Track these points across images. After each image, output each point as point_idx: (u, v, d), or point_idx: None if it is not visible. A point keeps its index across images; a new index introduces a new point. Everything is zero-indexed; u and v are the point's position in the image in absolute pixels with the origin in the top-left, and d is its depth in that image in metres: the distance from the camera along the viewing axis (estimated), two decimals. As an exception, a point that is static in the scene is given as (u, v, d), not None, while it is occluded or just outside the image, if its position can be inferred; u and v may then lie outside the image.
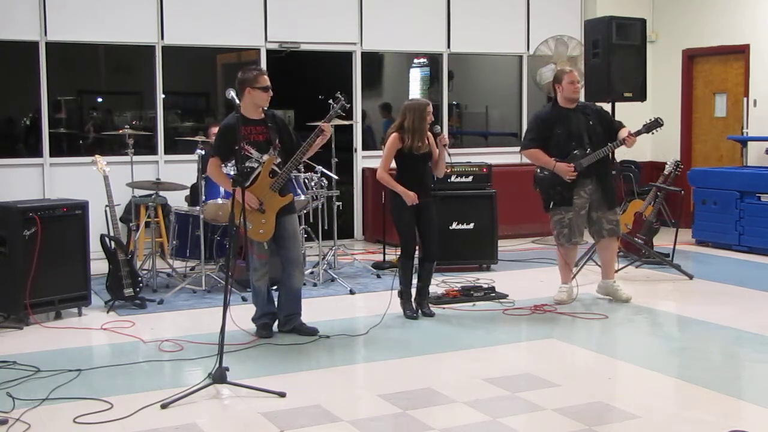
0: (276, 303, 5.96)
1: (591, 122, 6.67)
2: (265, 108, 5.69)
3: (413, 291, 6.44)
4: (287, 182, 5.77)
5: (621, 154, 9.58)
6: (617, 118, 7.86)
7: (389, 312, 6.35)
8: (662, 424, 4.26)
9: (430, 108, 6.27)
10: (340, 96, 5.96)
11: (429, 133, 6.28)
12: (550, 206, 6.72)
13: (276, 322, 5.95)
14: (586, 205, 6.68)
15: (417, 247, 6.40)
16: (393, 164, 6.35)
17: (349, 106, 6.26)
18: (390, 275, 7.70)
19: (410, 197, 6.18)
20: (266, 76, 5.64)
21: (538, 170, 6.80)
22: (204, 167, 7.27)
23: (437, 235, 6.47)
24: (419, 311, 6.41)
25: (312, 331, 5.86)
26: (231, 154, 5.60)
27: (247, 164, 5.55)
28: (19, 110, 9.35)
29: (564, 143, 6.60)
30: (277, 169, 5.64)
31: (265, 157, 5.60)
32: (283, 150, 5.70)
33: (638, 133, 6.66)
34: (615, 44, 8.10)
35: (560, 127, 6.62)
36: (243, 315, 6.18)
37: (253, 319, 5.94)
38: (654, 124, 6.68)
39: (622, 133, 6.62)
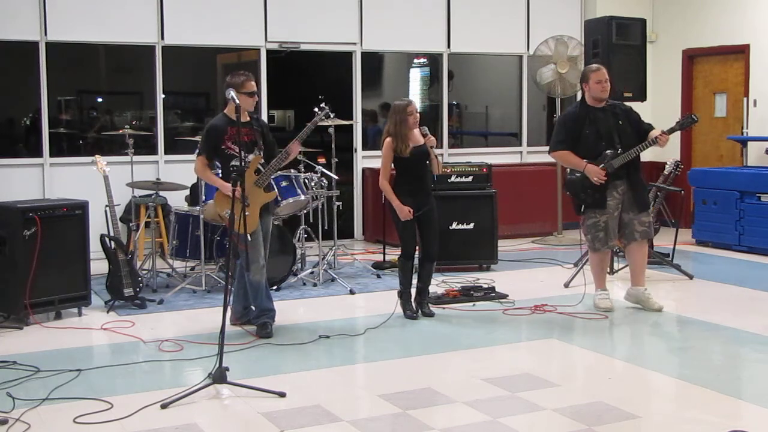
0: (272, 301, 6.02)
1: (620, 122, 6.50)
2: (251, 111, 5.95)
3: (413, 291, 6.44)
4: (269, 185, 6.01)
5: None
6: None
7: (390, 312, 6.36)
8: (662, 424, 4.26)
9: (412, 107, 6.22)
10: (325, 106, 6.21)
11: (425, 131, 6.25)
12: (582, 210, 6.53)
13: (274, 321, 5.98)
14: (619, 206, 6.48)
15: (417, 248, 6.40)
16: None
17: (334, 114, 6.53)
18: (391, 275, 7.72)
19: (404, 213, 6.17)
20: (253, 82, 5.88)
21: (569, 172, 6.63)
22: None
23: (437, 236, 6.46)
24: (419, 311, 6.41)
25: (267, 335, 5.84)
26: (216, 153, 5.85)
27: (233, 163, 5.78)
28: (19, 110, 9.35)
29: (593, 143, 6.42)
30: (261, 168, 5.89)
31: (251, 156, 5.83)
32: (264, 152, 5.95)
33: (672, 130, 6.43)
34: (615, 44, 8.11)
35: (589, 127, 6.45)
36: (243, 315, 6.20)
37: (252, 319, 5.95)
38: (688, 120, 6.48)
39: (654, 133, 6.40)
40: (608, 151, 6.39)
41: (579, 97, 6.77)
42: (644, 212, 6.52)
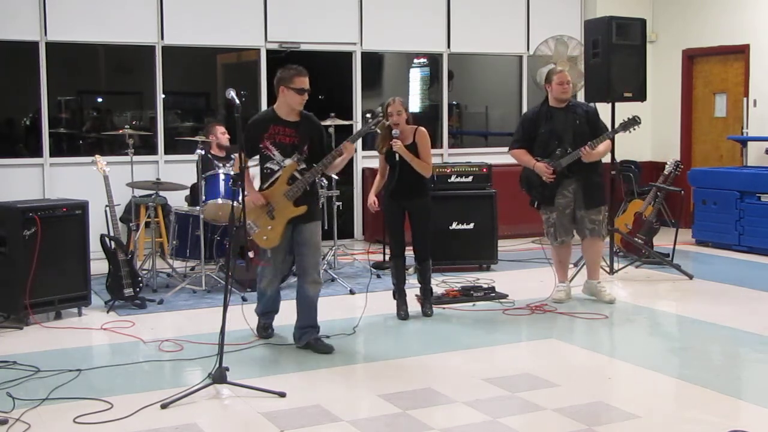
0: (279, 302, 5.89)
1: (578, 122, 6.69)
2: (301, 110, 5.40)
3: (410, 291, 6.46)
4: (308, 193, 5.42)
5: (622, 154, 9.58)
6: (617, 118, 7.87)
7: (390, 312, 6.38)
8: (662, 424, 4.26)
9: (392, 108, 6.03)
10: (377, 111, 5.84)
11: (395, 134, 6.09)
12: (535, 205, 6.86)
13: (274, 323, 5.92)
14: (571, 204, 6.71)
15: (405, 247, 6.38)
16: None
17: (388, 123, 6.07)
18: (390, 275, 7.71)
19: (369, 203, 6.34)
20: (305, 78, 5.33)
21: (522, 170, 6.89)
22: (204, 167, 7.29)
23: (427, 235, 6.36)
24: (422, 309, 6.43)
25: (327, 349, 5.47)
26: (254, 150, 5.36)
27: (267, 165, 5.35)
28: (19, 110, 9.35)
29: (546, 142, 6.67)
30: (298, 175, 5.36)
31: (287, 161, 5.33)
32: (310, 158, 5.39)
33: (615, 131, 6.70)
34: (615, 44, 8.10)
35: (545, 126, 6.69)
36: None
37: (256, 311, 5.85)
38: (631, 122, 6.70)
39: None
40: (558, 151, 6.62)
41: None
42: (594, 210, 6.75)
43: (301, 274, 5.53)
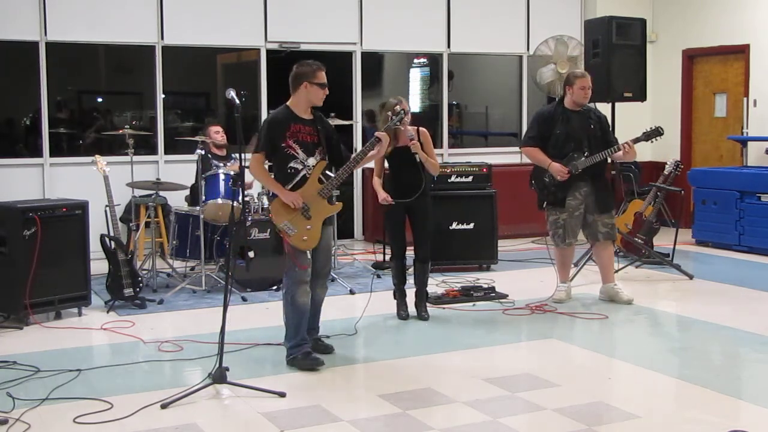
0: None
1: (592, 126, 6.70)
2: (319, 106, 5.30)
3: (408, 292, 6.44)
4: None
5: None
6: (617, 119, 7.89)
7: (390, 312, 6.38)
8: (662, 424, 4.26)
9: (398, 108, 5.88)
10: (400, 110, 5.73)
11: (410, 135, 6.09)
12: (544, 205, 6.79)
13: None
14: (581, 207, 6.70)
15: (406, 247, 6.36)
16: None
17: (409, 119, 6.01)
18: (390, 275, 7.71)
19: (380, 197, 6.21)
20: (324, 72, 5.23)
21: (534, 169, 6.85)
22: (203, 167, 7.29)
23: (428, 235, 6.35)
24: (417, 313, 6.38)
25: (327, 349, 5.46)
26: (274, 150, 5.16)
27: (290, 164, 5.15)
28: (19, 110, 9.35)
29: (562, 144, 6.65)
30: (323, 177, 5.26)
31: (312, 160, 5.18)
32: (330, 158, 5.31)
33: (637, 140, 6.66)
34: (615, 44, 8.11)
35: (560, 127, 6.66)
36: (243, 315, 6.18)
37: (290, 349, 5.22)
38: (654, 133, 6.70)
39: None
40: (574, 154, 6.61)
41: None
42: (607, 214, 6.77)
43: (313, 277, 5.38)
